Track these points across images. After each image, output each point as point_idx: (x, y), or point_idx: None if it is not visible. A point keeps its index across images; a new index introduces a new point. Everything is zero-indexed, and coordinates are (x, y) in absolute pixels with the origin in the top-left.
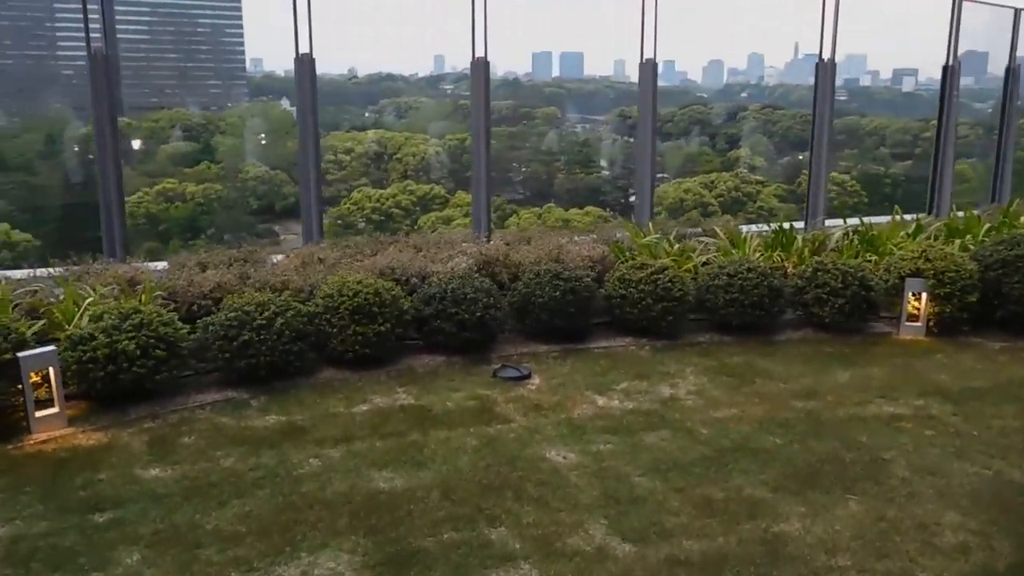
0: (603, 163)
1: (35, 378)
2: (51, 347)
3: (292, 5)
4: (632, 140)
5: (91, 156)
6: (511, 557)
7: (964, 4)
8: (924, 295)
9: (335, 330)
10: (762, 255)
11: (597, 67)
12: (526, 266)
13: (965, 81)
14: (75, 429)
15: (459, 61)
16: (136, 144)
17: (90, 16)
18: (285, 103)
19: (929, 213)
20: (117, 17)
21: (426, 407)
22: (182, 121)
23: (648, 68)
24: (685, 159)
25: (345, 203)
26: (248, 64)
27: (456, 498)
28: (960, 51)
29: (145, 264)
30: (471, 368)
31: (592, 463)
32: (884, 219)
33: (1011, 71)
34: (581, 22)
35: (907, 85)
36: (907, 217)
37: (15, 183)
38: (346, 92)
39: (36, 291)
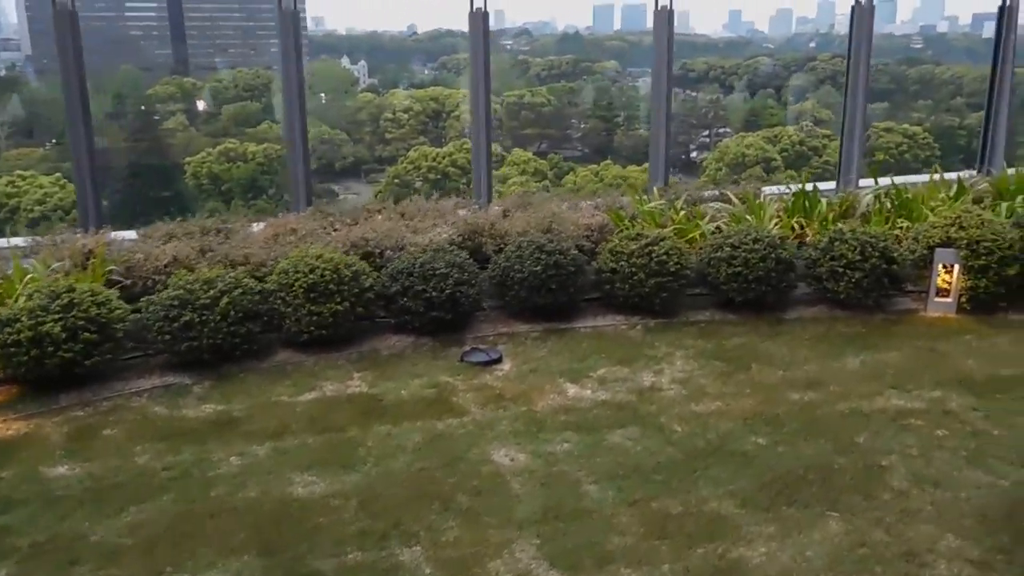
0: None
1: None
2: None
3: None
4: (695, 95)
5: (156, 117)
6: None
7: None
8: (956, 267)
9: (290, 309)
10: (780, 222)
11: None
12: (512, 236)
13: None
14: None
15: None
16: (200, 104)
17: None
18: (345, 61)
19: (979, 171)
20: None
21: (377, 396)
22: (244, 80)
23: (663, 16)
24: (748, 112)
25: (402, 162)
26: (309, 23)
27: (375, 509)
28: None
29: (112, 235)
30: (440, 351)
31: (541, 467)
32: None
33: None
34: None
35: (987, 31)
36: (951, 176)
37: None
38: (406, 50)
39: None
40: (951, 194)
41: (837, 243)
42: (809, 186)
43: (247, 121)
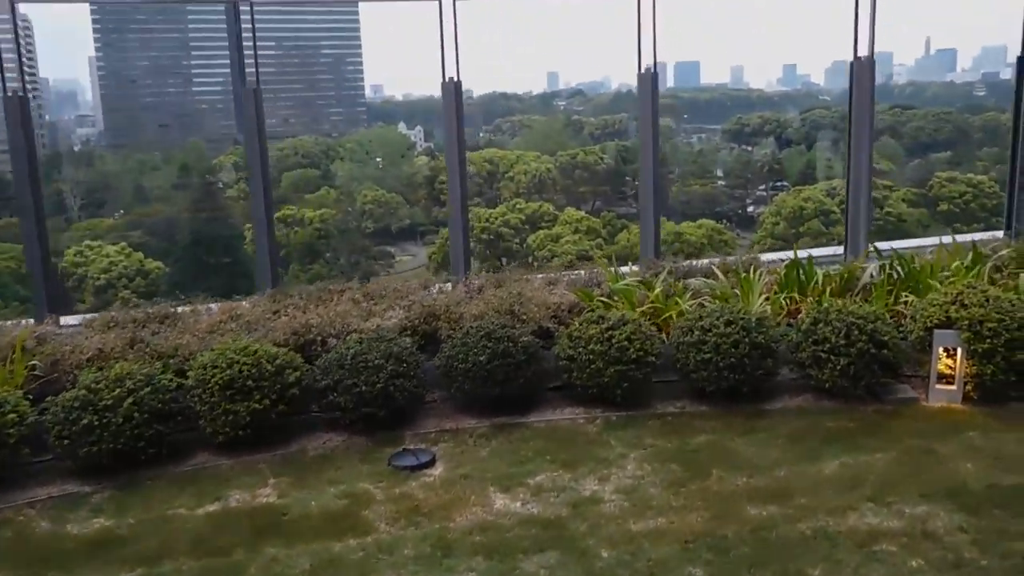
0: (719, 172)
1: None
2: None
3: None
4: (750, 149)
5: (220, 185)
6: None
7: None
8: (960, 351)
9: (206, 408)
10: (771, 298)
11: (714, 75)
12: (466, 321)
13: None
14: None
15: (572, 77)
16: None
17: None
18: (402, 127)
19: (1007, 233)
20: (246, 52)
21: (282, 509)
22: (303, 149)
23: (647, 79)
24: (805, 165)
25: None
26: (368, 90)
27: None
28: None
29: (64, 320)
30: (372, 451)
31: None
32: (972, 236)
33: None
34: (695, 31)
35: None
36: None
37: (151, 213)
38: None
39: None
40: (967, 262)
41: (820, 324)
42: (804, 254)
43: (306, 187)
